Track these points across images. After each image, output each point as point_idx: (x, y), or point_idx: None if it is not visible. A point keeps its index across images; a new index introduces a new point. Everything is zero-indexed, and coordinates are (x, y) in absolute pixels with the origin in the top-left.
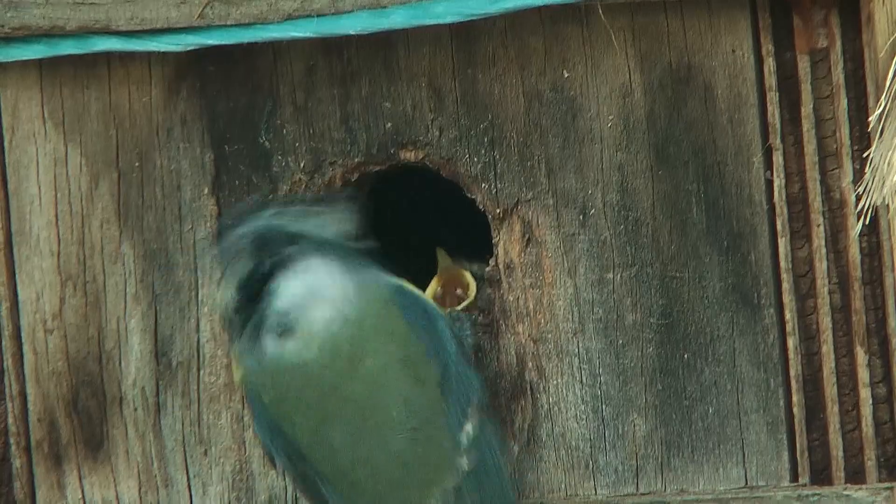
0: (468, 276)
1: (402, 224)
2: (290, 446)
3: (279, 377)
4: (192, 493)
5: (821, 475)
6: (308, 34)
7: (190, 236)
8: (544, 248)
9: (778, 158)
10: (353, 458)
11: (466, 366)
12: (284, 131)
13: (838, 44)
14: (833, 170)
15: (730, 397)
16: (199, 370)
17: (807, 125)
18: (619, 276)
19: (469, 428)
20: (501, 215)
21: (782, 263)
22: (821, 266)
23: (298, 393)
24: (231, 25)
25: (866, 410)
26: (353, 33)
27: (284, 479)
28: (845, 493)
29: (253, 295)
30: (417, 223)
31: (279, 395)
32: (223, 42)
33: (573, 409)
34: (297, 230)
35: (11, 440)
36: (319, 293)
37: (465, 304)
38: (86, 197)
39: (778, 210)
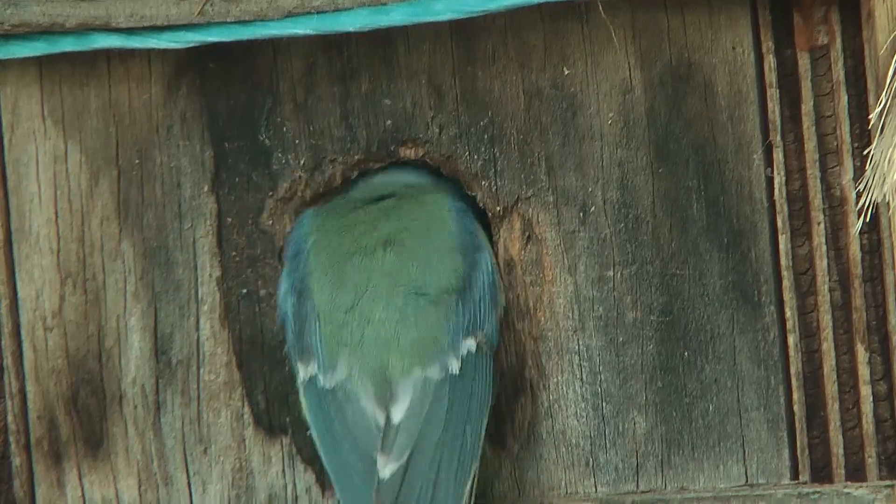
0: None
1: None
2: (305, 278)
3: (331, 205)
4: (192, 491)
5: (821, 473)
6: (308, 31)
7: (190, 234)
8: (544, 246)
9: (778, 155)
10: (355, 299)
11: (491, 304)
12: (284, 129)
13: (838, 41)
14: (833, 167)
15: (730, 395)
16: (198, 368)
17: (807, 122)
18: (619, 273)
19: (472, 345)
20: (501, 213)
21: (783, 261)
22: (821, 263)
23: (342, 213)
24: (231, 22)
25: (867, 408)
26: (352, 30)
27: (285, 476)
28: (846, 490)
29: None
30: None
31: (324, 215)
32: (223, 39)
33: (573, 406)
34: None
35: (11, 438)
36: (393, 171)
37: None
38: (85, 194)
39: (778, 207)
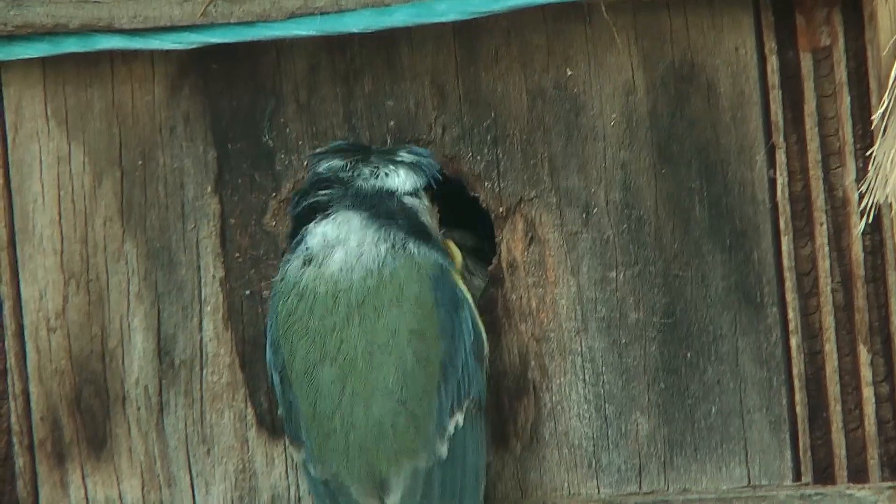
0: (452, 245)
1: None
2: (285, 371)
3: (295, 294)
4: (195, 491)
5: (823, 474)
6: (311, 32)
7: (193, 235)
8: (547, 247)
9: (781, 157)
10: (335, 408)
11: (476, 361)
12: (287, 129)
13: (841, 42)
14: (836, 168)
15: (732, 396)
16: (201, 369)
17: (809, 123)
18: (621, 274)
19: (459, 419)
20: (504, 214)
21: (785, 262)
22: (824, 264)
23: (306, 318)
24: (234, 23)
25: (869, 409)
26: (356, 31)
27: (288, 477)
28: (848, 492)
29: (301, 222)
30: None
31: (289, 311)
32: (226, 40)
33: (576, 407)
34: (360, 182)
35: (14, 439)
36: (346, 242)
37: None
38: (89, 195)
39: (781, 208)
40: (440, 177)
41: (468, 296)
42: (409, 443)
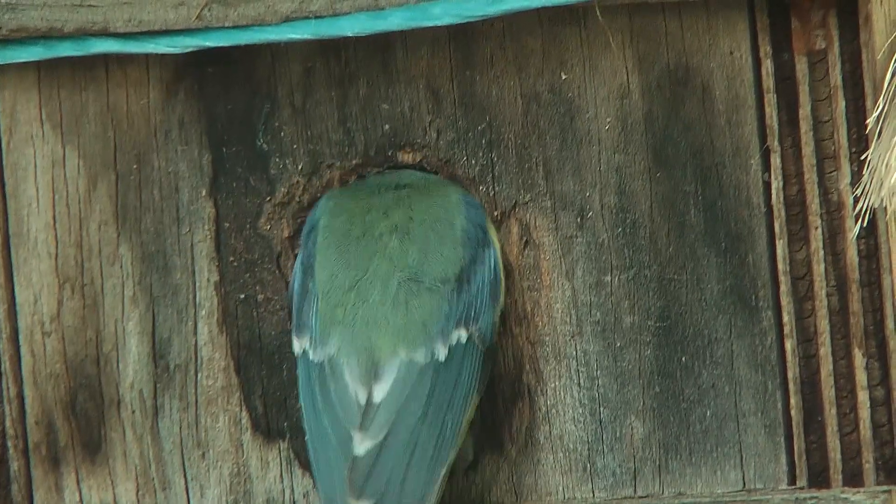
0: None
1: None
2: (311, 256)
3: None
4: (190, 495)
5: (818, 478)
6: (306, 36)
7: (188, 238)
8: (542, 251)
9: (776, 160)
10: (354, 280)
11: (490, 300)
12: (282, 133)
13: (836, 45)
14: (831, 172)
15: (727, 400)
16: (196, 373)
17: (805, 127)
18: (616, 278)
19: (462, 335)
20: (499, 218)
21: (780, 265)
22: (819, 268)
23: (350, 201)
24: (229, 27)
25: (864, 413)
26: (351, 35)
27: (283, 481)
28: (843, 496)
29: None
30: None
31: (332, 196)
32: (221, 44)
33: (571, 411)
34: None
35: (9, 443)
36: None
37: None
38: (84, 199)
39: (776, 212)
40: None
41: (498, 248)
42: (413, 330)
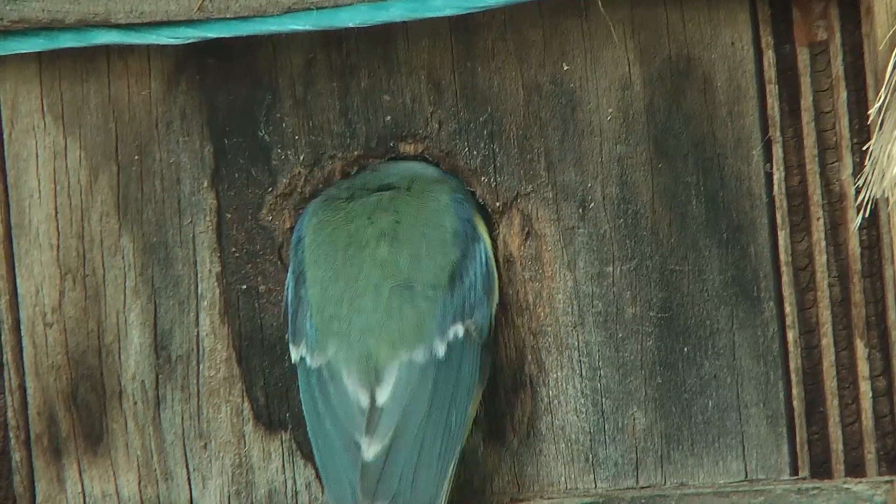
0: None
1: None
2: (302, 266)
3: (323, 199)
4: (192, 486)
5: (820, 468)
6: (307, 27)
7: (189, 230)
8: (544, 242)
9: (777, 151)
10: (345, 291)
11: (484, 293)
12: (284, 124)
13: (837, 36)
14: (832, 163)
15: (729, 391)
16: (198, 364)
17: (806, 118)
18: (618, 269)
19: (459, 330)
20: (501, 208)
21: (782, 256)
22: (820, 259)
23: (333, 213)
24: (230, 18)
25: (866, 404)
26: (352, 26)
27: (284, 472)
28: (845, 486)
29: None
30: None
31: (315, 210)
32: (222, 35)
33: (573, 402)
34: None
35: (11, 434)
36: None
37: None
38: (85, 190)
39: (777, 203)
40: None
41: (487, 240)
42: (409, 333)
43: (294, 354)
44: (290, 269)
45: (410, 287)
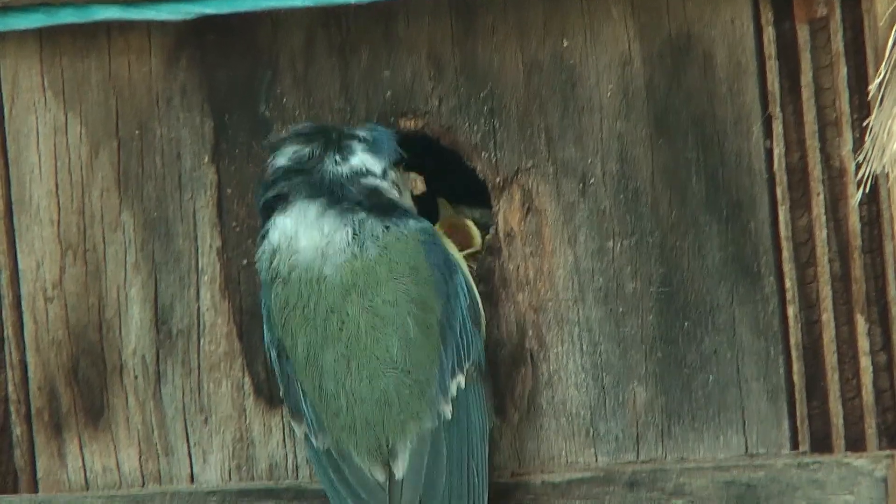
0: (471, 226)
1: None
2: (282, 346)
3: (280, 284)
4: (193, 461)
5: (821, 443)
6: (308, 3)
7: (190, 205)
8: (544, 217)
9: (777, 127)
10: (338, 386)
11: (474, 325)
12: (284, 100)
13: (838, 12)
14: (833, 138)
15: (730, 366)
16: (199, 339)
17: (806, 94)
18: (618, 245)
19: (461, 381)
20: (501, 184)
21: (782, 232)
22: (820, 235)
23: (300, 308)
24: None
25: (866, 378)
26: (352, 2)
27: (285, 446)
28: (845, 460)
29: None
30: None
31: (282, 303)
32: (223, 11)
33: (573, 377)
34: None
35: (12, 409)
36: (309, 230)
37: (470, 251)
38: (86, 166)
39: (777, 179)
40: (403, 156)
41: (461, 261)
42: (414, 409)
43: (297, 431)
44: (266, 336)
45: (406, 371)
